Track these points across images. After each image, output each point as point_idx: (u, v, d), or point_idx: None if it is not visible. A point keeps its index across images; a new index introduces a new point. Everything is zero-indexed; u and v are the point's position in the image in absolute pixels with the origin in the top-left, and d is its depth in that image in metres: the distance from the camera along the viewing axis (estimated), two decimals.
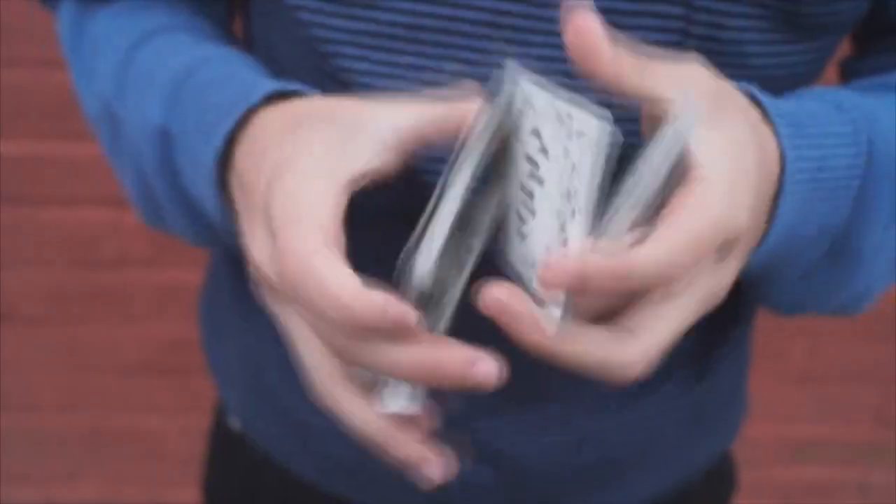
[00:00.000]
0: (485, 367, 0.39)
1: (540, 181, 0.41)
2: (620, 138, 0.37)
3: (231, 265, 0.69)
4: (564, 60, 0.43)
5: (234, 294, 0.69)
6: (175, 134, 0.50)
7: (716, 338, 0.65)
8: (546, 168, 0.40)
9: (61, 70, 1.32)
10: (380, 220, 0.50)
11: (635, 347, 0.40)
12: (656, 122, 0.41)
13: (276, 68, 0.57)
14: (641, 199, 0.38)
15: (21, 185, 1.43)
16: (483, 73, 0.47)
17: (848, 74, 0.62)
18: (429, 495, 0.64)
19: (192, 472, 1.60)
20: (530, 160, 0.42)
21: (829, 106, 0.49)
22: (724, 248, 0.40)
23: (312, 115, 0.44)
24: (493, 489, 0.64)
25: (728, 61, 0.49)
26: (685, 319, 0.41)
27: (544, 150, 0.40)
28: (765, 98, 0.46)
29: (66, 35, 0.62)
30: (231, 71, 0.51)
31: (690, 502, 0.72)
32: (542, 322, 0.39)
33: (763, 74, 0.51)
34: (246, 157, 0.46)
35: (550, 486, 0.64)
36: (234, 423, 0.75)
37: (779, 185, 0.45)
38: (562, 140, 0.39)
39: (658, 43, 0.48)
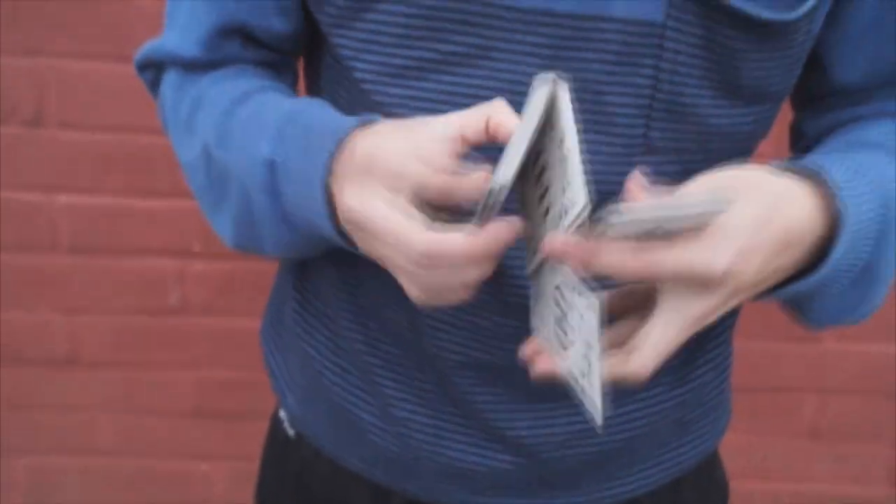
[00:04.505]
0: None
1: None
2: None
3: (294, 290, 0.81)
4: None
5: (295, 315, 0.81)
6: (280, 163, 0.63)
7: (694, 349, 0.76)
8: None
9: (143, 135, 1.48)
10: None
11: (636, 361, 0.56)
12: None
13: None
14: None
15: (97, 236, 1.55)
16: None
17: (799, 133, 0.76)
18: (457, 478, 0.75)
19: None
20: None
21: (852, 172, 0.62)
22: (701, 286, 0.55)
23: (386, 126, 0.59)
24: (512, 473, 0.75)
25: (689, 120, 0.64)
26: (673, 337, 0.57)
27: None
28: (825, 171, 0.60)
29: (168, 98, 0.75)
30: (323, 119, 0.64)
31: (679, 499, 0.82)
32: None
33: (718, 131, 0.65)
34: (343, 162, 0.59)
35: (561, 471, 0.76)
36: (288, 430, 0.86)
37: (826, 235, 0.60)
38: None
39: (632, 105, 0.62)
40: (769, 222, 0.56)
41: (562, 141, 0.52)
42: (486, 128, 0.55)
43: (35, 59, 1.45)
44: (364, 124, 0.60)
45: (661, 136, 0.64)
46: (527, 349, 0.60)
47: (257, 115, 0.67)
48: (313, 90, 0.76)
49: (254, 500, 0.93)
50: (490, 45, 0.61)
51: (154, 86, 0.77)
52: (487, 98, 0.62)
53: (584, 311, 0.53)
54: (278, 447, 0.88)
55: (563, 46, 0.60)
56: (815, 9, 0.61)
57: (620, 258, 0.53)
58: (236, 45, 0.72)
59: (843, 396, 1.67)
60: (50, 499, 1.70)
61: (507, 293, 0.67)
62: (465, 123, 0.55)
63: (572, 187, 0.51)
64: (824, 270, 0.59)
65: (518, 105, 0.62)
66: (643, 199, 0.54)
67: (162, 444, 1.69)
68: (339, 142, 0.59)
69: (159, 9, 0.76)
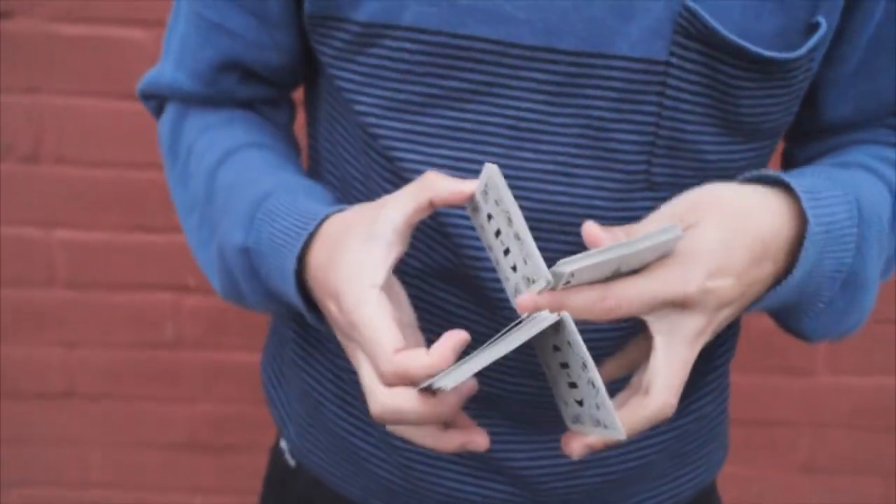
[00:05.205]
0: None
1: None
2: None
3: (294, 325, 0.82)
4: (567, 154, 0.63)
5: (296, 346, 0.82)
6: (254, 251, 0.66)
7: (694, 379, 0.77)
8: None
9: (139, 171, 1.49)
10: (412, 279, 0.66)
11: (655, 399, 0.57)
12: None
13: (336, 158, 0.72)
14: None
15: (94, 271, 1.56)
16: (506, 165, 0.63)
17: (789, 156, 0.78)
18: None
19: None
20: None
21: (823, 178, 0.64)
22: (681, 307, 0.57)
23: (341, 235, 0.60)
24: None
25: (690, 156, 0.65)
26: (680, 363, 0.57)
27: None
28: (789, 178, 0.62)
29: (166, 136, 0.77)
30: (289, 206, 0.65)
31: None
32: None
33: (717, 167, 0.67)
34: (314, 269, 0.61)
35: (560, 502, 0.76)
36: (289, 460, 0.87)
37: (800, 239, 0.60)
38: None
39: (635, 141, 0.63)
40: (736, 237, 0.58)
41: (509, 219, 0.54)
42: (430, 206, 0.58)
43: (33, 96, 1.46)
44: (324, 221, 0.63)
45: (663, 171, 0.65)
46: (563, 444, 0.59)
47: (236, 190, 0.69)
48: (311, 123, 0.78)
49: None
50: (494, 80, 0.62)
51: (158, 112, 0.80)
52: (489, 133, 0.64)
53: (568, 336, 0.53)
54: (279, 478, 0.89)
55: (566, 83, 0.62)
56: (815, 48, 0.63)
57: (589, 298, 0.55)
58: (233, 80, 0.73)
59: (838, 431, 1.67)
60: None
61: (503, 325, 0.67)
62: (410, 212, 0.58)
63: (532, 262, 0.53)
64: (799, 271, 0.61)
65: (520, 141, 0.64)
66: (601, 241, 0.55)
67: (156, 477, 1.69)
68: (302, 245, 0.62)
69: (156, 47, 0.78)
